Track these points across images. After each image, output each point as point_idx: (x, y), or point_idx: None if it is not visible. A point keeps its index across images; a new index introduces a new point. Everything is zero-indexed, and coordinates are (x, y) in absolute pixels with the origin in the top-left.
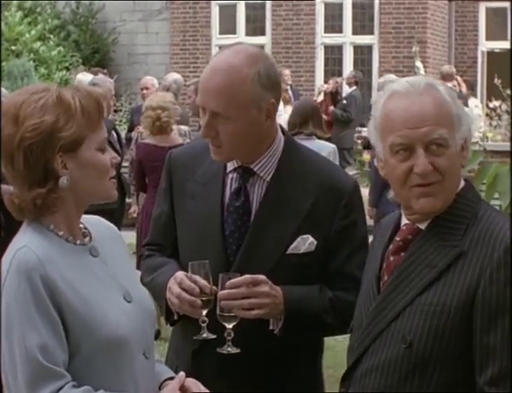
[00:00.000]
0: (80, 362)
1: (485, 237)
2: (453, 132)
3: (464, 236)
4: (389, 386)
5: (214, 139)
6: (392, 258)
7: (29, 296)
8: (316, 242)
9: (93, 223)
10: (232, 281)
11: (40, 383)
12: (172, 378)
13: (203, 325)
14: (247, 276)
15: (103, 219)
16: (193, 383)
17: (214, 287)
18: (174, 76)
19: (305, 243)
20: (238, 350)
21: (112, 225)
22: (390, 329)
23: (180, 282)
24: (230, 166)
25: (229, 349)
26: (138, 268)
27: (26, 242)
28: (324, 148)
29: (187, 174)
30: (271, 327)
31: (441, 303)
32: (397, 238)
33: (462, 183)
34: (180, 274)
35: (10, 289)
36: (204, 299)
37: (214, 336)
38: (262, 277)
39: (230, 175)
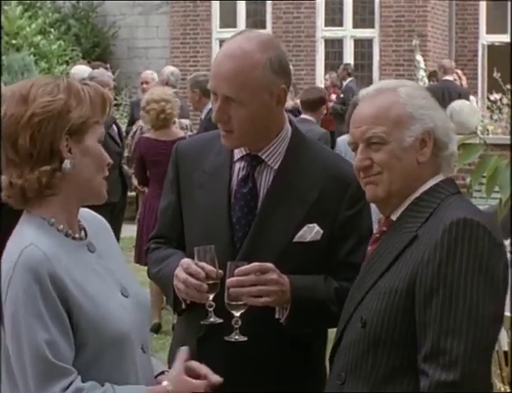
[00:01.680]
0: (85, 358)
1: (435, 223)
2: (398, 129)
3: (424, 223)
4: (350, 365)
5: (226, 124)
6: (369, 247)
7: (38, 295)
8: (322, 231)
9: (85, 216)
10: (241, 268)
11: (50, 381)
12: (163, 372)
13: (210, 309)
14: (255, 263)
15: (93, 212)
16: (196, 364)
17: (220, 271)
18: (170, 69)
19: (311, 232)
20: (245, 338)
21: (101, 217)
22: (355, 313)
23: (186, 268)
24: (237, 155)
25: (236, 337)
26: (138, 261)
27: (32, 240)
28: None
29: (194, 165)
30: (277, 316)
31: (391, 285)
32: (375, 231)
33: (440, 178)
34: (186, 260)
35: (18, 287)
36: (210, 283)
37: (221, 321)
38: (270, 264)
39: (237, 164)
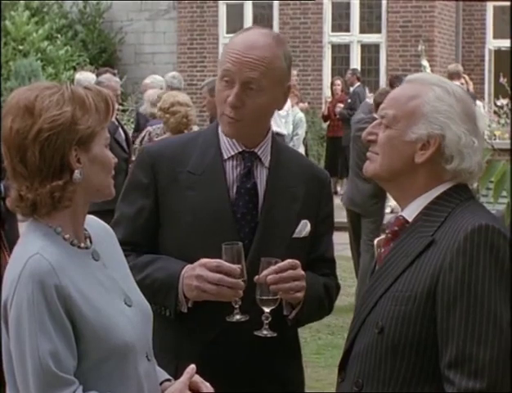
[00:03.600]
0: (88, 367)
1: (453, 228)
2: (406, 121)
3: (439, 227)
4: (367, 372)
5: (238, 111)
6: (382, 249)
7: (42, 305)
8: (310, 228)
9: (91, 223)
10: (279, 265)
11: (52, 391)
12: (168, 380)
13: (236, 306)
14: (289, 260)
15: (98, 219)
16: (202, 382)
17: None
18: (171, 73)
19: (305, 228)
20: (275, 334)
21: (106, 224)
22: (369, 317)
23: (217, 266)
24: (227, 153)
25: (265, 332)
26: None
27: (38, 249)
28: None
29: (176, 167)
30: (285, 313)
31: (409, 289)
32: (387, 231)
33: (452, 183)
34: (210, 260)
35: (22, 297)
36: (243, 280)
37: (247, 318)
38: (297, 261)
39: (229, 162)
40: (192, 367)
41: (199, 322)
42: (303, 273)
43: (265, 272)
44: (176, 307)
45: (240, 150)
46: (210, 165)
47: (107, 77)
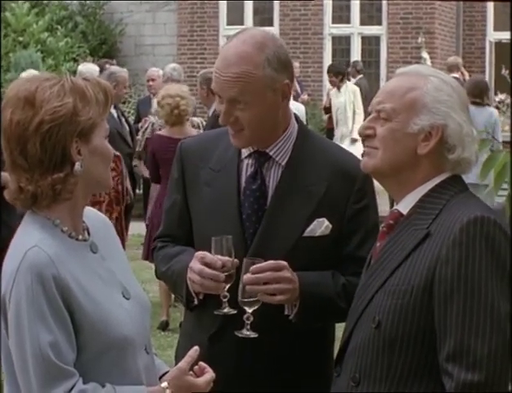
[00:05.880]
0: (86, 360)
1: (448, 220)
2: (406, 113)
3: (434, 220)
4: (364, 367)
5: (235, 124)
6: (378, 243)
7: (41, 296)
8: (331, 226)
9: (89, 215)
10: (257, 266)
11: (53, 383)
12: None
13: (224, 300)
14: (271, 261)
15: (96, 210)
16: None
17: (236, 260)
18: (172, 65)
19: (321, 226)
20: (256, 335)
21: (104, 216)
22: (365, 312)
23: (202, 258)
24: (244, 152)
25: (247, 332)
26: (146, 258)
27: (36, 242)
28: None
29: (200, 162)
30: (286, 313)
31: (406, 282)
32: (382, 224)
33: (446, 175)
34: (201, 252)
35: (21, 289)
36: (226, 274)
37: (235, 312)
38: (283, 262)
39: (245, 161)
40: (195, 349)
41: (206, 316)
42: (288, 275)
43: (243, 272)
44: (188, 299)
45: (252, 151)
46: (228, 163)
47: (117, 68)
